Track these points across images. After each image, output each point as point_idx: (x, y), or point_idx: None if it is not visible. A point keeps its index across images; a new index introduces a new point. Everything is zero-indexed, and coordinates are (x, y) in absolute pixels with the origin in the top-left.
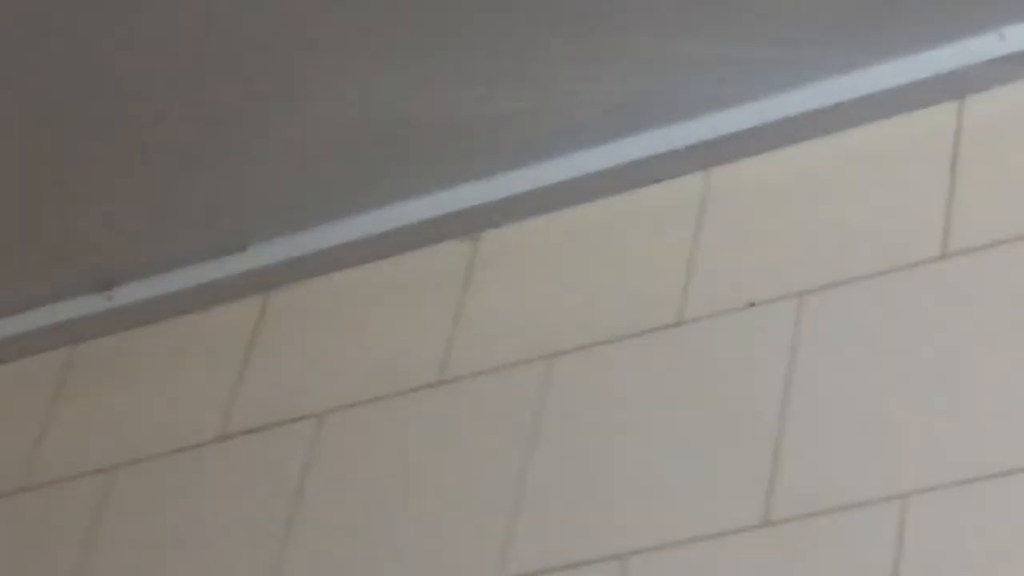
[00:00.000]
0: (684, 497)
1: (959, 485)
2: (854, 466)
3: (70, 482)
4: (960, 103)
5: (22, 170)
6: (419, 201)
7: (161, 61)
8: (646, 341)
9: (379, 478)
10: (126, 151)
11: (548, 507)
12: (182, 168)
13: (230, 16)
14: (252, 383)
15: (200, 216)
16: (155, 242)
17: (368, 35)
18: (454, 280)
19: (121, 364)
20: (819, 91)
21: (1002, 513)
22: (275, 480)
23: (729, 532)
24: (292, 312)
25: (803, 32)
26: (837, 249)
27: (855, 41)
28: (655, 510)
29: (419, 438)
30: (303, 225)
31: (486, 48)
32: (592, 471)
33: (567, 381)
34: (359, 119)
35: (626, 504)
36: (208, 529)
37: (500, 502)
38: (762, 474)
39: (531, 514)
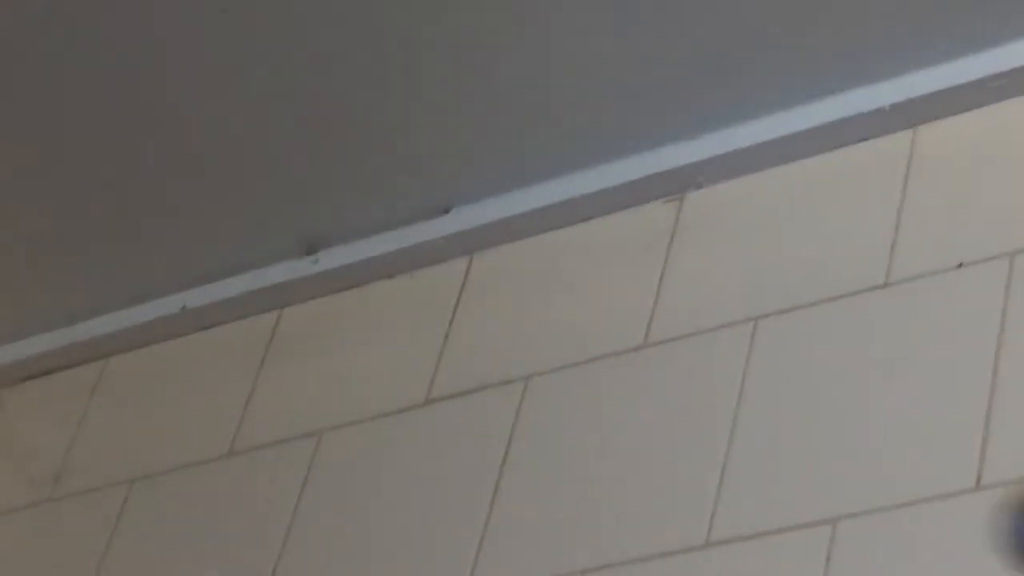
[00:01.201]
0: (890, 463)
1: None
2: None
3: (278, 446)
4: None
5: (230, 137)
6: (623, 163)
7: (362, 25)
8: (853, 303)
9: (581, 442)
10: (332, 116)
11: (756, 470)
12: (387, 132)
13: None
14: (457, 347)
15: (404, 179)
16: (360, 206)
17: None
18: (658, 241)
19: (327, 328)
20: None
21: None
22: (481, 444)
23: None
24: (496, 275)
25: None
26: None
27: None
28: (865, 474)
29: (622, 401)
30: (507, 187)
31: (690, 8)
32: (800, 433)
33: (772, 343)
34: (563, 80)
35: (836, 468)
36: (414, 493)
37: (706, 465)
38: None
39: (738, 477)
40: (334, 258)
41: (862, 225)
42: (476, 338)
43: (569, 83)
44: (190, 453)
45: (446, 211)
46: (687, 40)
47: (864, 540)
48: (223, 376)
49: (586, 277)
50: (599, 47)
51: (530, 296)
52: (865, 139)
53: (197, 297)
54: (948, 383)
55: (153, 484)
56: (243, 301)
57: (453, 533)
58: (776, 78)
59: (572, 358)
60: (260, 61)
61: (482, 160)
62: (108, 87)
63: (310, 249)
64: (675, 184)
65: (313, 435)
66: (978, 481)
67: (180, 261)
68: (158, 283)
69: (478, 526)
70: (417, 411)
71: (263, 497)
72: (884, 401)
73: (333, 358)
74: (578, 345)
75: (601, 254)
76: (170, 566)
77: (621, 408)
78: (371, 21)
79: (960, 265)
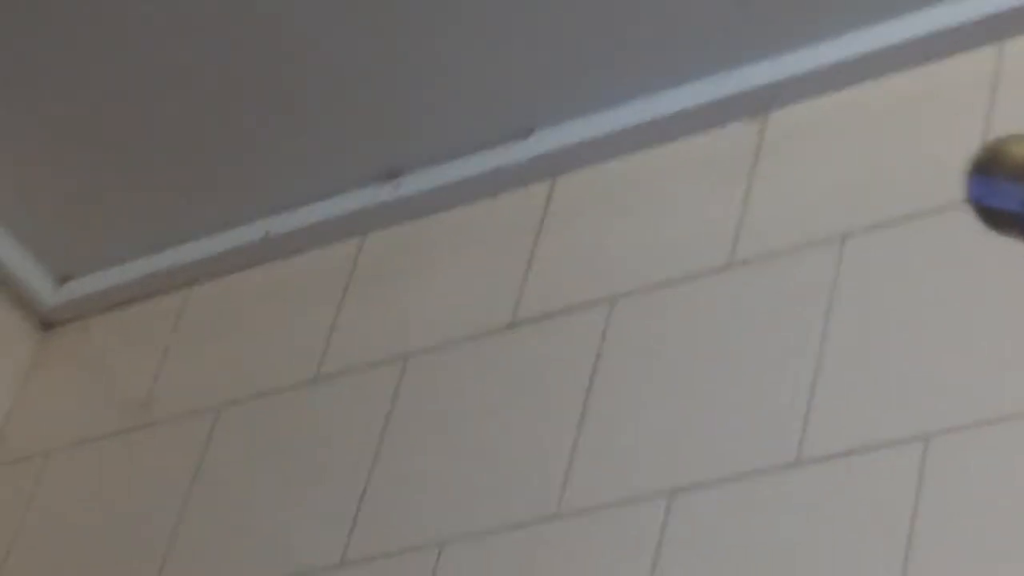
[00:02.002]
0: (980, 380)
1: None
2: None
3: (363, 371)
4: None
5: (311, 65)
6: (706, 82)
7: None
8: (941, 219)
9: (668, 362)
10: (413, 41)
11: (846, 387)
12: (468, 56)
13: None
14: (541, 269)
15: (486, 103)
16: (442, 130)
17: None
18: (742, 160)
19: (409, 253)
20: None
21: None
22: (567, 366)
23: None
24: (580, 197)
25: None
26: None
27: None
28: (958, 391)
29: (708, 320)
30: (590, 109)
31: None
32: (888, 351)
33: (860, 259)
34: (645, 0)
35: (928, 384)
36: (499, 416)
37: (795, 383)
38: None
39: (828, 394)
40: (416, 183)
41: (949, 140)
42: (560, 260)
43: (651, 2)
44: (276, 379)
45: (529, 134)
46: None
47: (957, 457)
48: (307, 303)
49: (669, 198)
50: None
51: (614, 218)
52: (950, 54)
53: (280, 224)
54: None
55: (240, 410)
56: (326, 228)
57: (540, 456)
58: None
59: (657, 278)
60: None
61: (564, 82)
62: (197, 16)
63: (392, 175)
64: (758, 103)
65: (398, 360)
66: None
67: (262, 189)
68: (241, 211)
69: (566, 448)
70: (502, 334)
71: (349, 422)
72: (974, 317)
73: (416, 283)
74: (663, 265)
75: (684, 174)
76: (258, 492)
77: (707, 327)
78: None
79: None
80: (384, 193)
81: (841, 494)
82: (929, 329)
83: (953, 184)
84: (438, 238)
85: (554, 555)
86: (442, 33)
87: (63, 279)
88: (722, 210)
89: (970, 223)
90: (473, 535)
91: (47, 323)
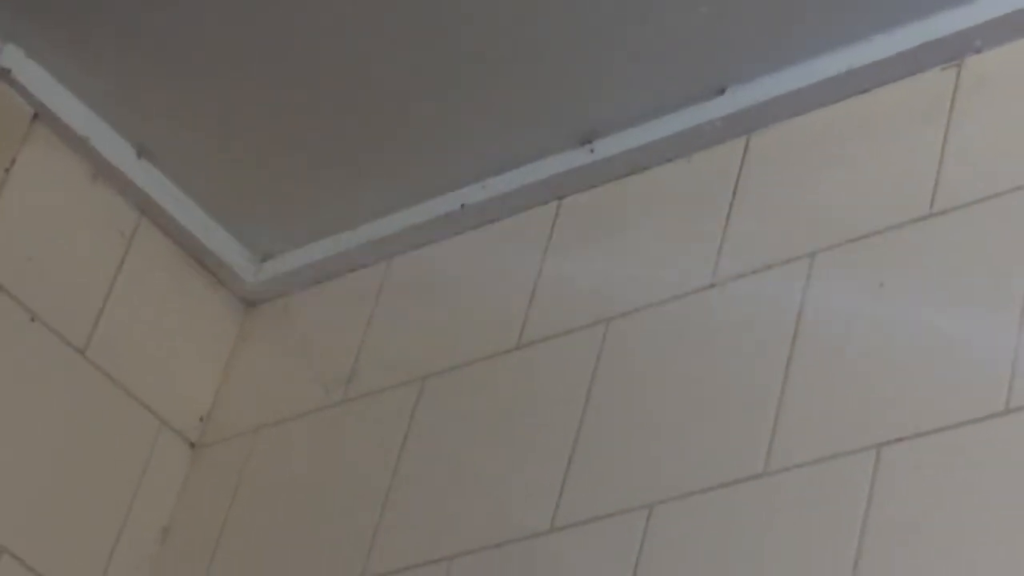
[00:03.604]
0: None
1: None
2: None
3: (566, 336)
4: None
5: (502, 32)
6: (898, 31)
7: None
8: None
9: (868, 316)
10: (600, 2)
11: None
12: (659, 16)
13: None
14: (739, 228)
15: (678, 62)
16: (634, 92)
17: None
18: (939, 109)
19: (607, 216)
20: None
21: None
22: (770, 324)
23: None
24: (775, 153)
25: None
26: None
27: None
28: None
29: (910, 270)
30: (781, 64)
31: None
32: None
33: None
34: None
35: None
36: (702, 377)
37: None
38: None
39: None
40: (611, 146)
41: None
42: (757, 219)
43: None
44: (478, 348)
45: (721, 92)
46: None
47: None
48: (506, 269)
49: (866, 150)
50: None
51: (810, 173)
52: None
53: (475, 194)
54: None
55: (444, 381)
56: (521, 194)
57: (745, 417)
58: None
59: (857, 232)
60: None
61: (755, 38)
62: None
63: (586, 139)
64: (952, 50)
65: (600, 324)
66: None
67: (457, 159)
68: (436, 182)
69: (772, 401)
70: (704, 293)
71: (553, 388)
72: None
73: (615, 246)
74: (863, 219)
75: (880, 126)
76: (465, 461)
77: (908, 279)
78: None
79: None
80: (579, 157)
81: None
82: None
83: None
84: (635, 200)
85: (763, 514)
86: None
87: (264, 257)
88: (920, 161)
89: None
90: (682, 496)
91: (250, 302)
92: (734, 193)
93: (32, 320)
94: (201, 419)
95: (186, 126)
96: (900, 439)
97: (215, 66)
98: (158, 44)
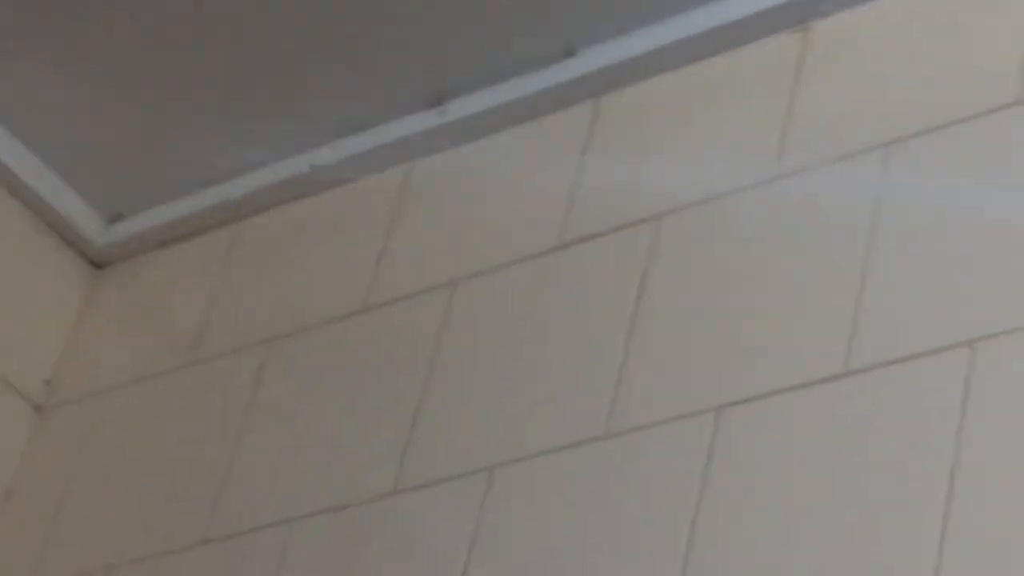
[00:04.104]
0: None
1: None
2: None
3: (413, 298)
4: None
5: None
6: None
7: None
8: (989, 121)
9: (717, 277)
10: None
11: (891, 299)
12: None
13: None
14: (588, 190)
15: (527, 24)
16: (484, 54)
17: None
18: (785, 73)
19: (458, 178)
20: None
21: None
22: (615, 285)
23: None
24: (624, 116)
25: None
26: None
27: None
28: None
29: (754, 234)
30: (631, 27)
31: None
32: (933, 259)
33: (906, 169)
34: None
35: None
36: (550, 337)
37: (840, 295)
38: None
39: (872, 305)
40: (462, 108)
41: (994, 43)
42: (607, 181)
43: None
44: (326, 311)
45: (570, 54)
46: None
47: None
48: (355, 233)
49: (713, 114)
50: None
51: (658, 137)
52: None
53: (325, 156)
54: None
55: (291, 343)
56: (372, 156)
57: (590, 373)
58: None
59: (704, 194)
60: None
61: (604, 1)
62: None
63: (436, 101)
64: (800, 13)
65: (447, 286)
66: None
67: (306, 120)
68: (285, 144)
69: (614, 366)
70: (552, 255)
71: (400, 350)
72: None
73: (466, 208)
74: (710, 182)
75: (728, 90)
76: (310, 423)
77: (752, 242)
78: None
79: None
80: (430, 119)
81: None
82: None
83: (1001, 85)
84: (486, 162)
85: (608, 474)
86: None
87: (113, 219)
88: (766, 123)
89: (1019, 123)
90: (524, 459)
91: (98, 263)
92: (582, 156)
93: None
94: (47, 382)
95: (32, 85)
96: (738, 402)
97: (60, 24)
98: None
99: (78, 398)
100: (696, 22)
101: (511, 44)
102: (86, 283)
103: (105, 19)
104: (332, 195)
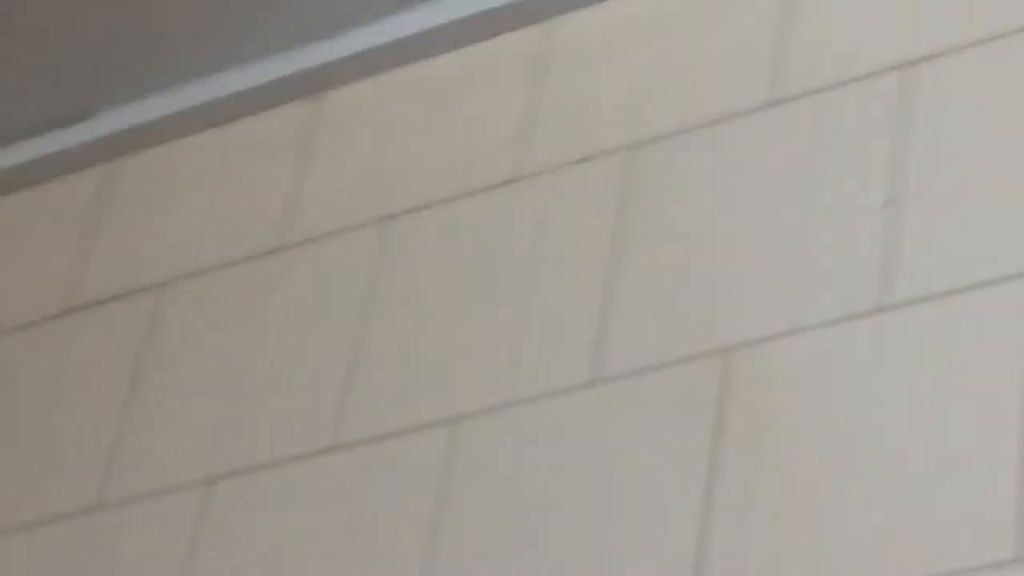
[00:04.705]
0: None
1: None
2: None
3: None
4: None
5: None
6: (259, 64)
7: None
8: (485, 198)
9: (217, 352)
10: None
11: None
12: (28, 39)
13: None
14: (100, 255)
15: (44, 84)
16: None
17: None
18: (297, 141)
19: None
20: None
21: None
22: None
23: None
24: (137, 181)
25: None
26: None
27: None
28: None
29: (259, 305)
30: (146, 91)
31: None
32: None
33: (404, 241)
34: None
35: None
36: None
37: (330, 373)
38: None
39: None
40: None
41: (490, 120)
42: (118, 247)
43: None
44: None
45: (88, 116)
46: None
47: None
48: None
49: (225, 180)
50: None
51: (171, 202)
52: (496, 35)
53: None
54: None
55: None
56: None
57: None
58: None
59: (206, 264)
60: None
61: (120, 64)
62: None
63: None
64: (312, 84)
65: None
66: None
67: None
68: None
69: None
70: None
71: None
72: (475, 309)
73: None
74: (213, 252)
75: (240, 157)
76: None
77: (250, 316)
78: None
79: (582, 160)
80: None
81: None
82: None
83: (495, 163)
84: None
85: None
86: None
87: None
88: (276, 191)
89: (511, 201)
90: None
91: None
92: (95, 223)
93: None
94: None
95: None
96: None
97: None
98: None
99: None
100: (209, 89)
101: (25, 102)
102: None
103: None
104: None
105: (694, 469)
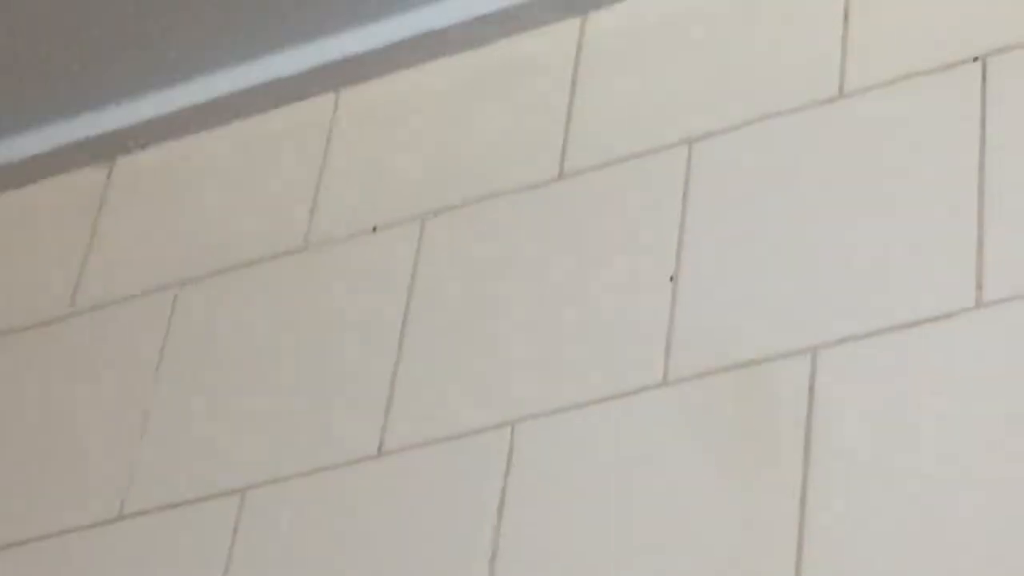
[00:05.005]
0: None
1: None
2: None
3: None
4: None
5: None
6: (54, 126)
7: None
8: (275, 264)
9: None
10: None
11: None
12: None
13: None
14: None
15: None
16: None
17: None
18: (90, 206)
19: None
20: None
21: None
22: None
23: None
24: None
25: None
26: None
27: None
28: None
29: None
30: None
31: None
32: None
33: (190, 312)
34: None
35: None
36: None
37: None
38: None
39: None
40: None
41: (284, 188)
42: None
43: None
44: None
45: None
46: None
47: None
48: None
49: (18, 243)
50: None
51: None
52: (291, 102)
53: None
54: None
55: None
56: None
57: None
58: (201, 41)
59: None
60: None
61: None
62: None
63: None
64: (107, 148)
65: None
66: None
67: None
68: None
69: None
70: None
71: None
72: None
73: None
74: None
75: (34, 220)
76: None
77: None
78: None
79: (375, 229)
80: None
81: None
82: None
83: (285, 230)
84: None
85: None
86: None
87: None
88: (67, 257)
89: (299, 268)
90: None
91: None
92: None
93: None
94: None
95: None
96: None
97: None
98: None
99: None
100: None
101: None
102: None
103: None
104: None
105: None
